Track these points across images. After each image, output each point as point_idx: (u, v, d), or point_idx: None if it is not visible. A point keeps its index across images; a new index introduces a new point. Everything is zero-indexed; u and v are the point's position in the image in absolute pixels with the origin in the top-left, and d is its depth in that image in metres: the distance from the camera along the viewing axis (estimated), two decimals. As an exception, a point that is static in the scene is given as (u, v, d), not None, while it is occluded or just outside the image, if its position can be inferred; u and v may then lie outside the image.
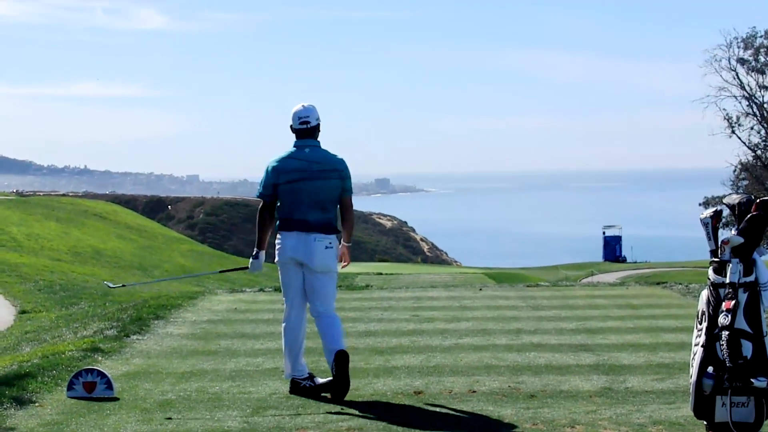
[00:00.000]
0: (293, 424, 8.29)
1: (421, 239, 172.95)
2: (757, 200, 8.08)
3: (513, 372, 10.48)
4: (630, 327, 13.60)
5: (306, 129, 9.78)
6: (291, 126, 9.85)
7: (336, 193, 9.72)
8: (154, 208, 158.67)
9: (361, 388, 9.70)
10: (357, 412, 8.67)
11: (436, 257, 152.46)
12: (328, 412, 8.71)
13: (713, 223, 8.00)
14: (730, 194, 8.38)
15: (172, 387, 9.86)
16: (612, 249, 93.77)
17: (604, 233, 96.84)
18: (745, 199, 8.13)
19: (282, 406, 8.97)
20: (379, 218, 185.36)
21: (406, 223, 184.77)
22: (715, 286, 7.91)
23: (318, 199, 9.61)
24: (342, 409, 8.82)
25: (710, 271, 8.00)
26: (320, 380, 9.59)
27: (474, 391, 9.53)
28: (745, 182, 66.70)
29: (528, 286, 20.38)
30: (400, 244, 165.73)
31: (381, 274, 40.08)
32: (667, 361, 11.01)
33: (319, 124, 9.86)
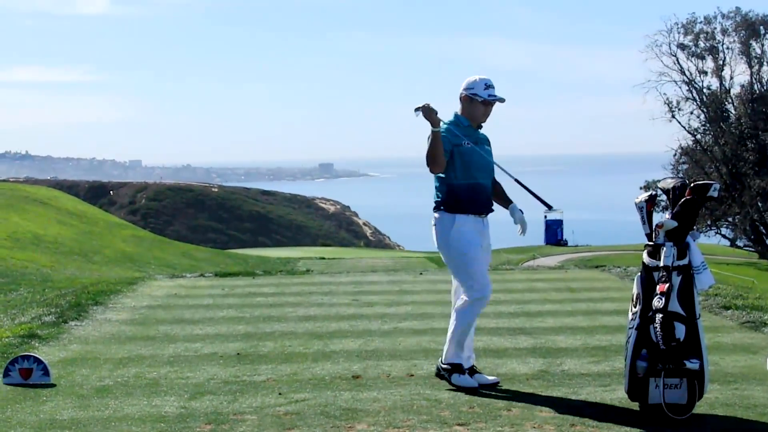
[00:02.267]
0: (231, 410, 8.27)
1: (364, 224, 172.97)
2: (691, 185, 8.16)
3: (451, 355, 10.50)
4: (568, 310, 13.70)
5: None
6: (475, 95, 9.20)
7: None
8: (96, 193, 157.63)
9: (299, 373, 9.70)
10: (295, 397, 8.66)
11: (379, 242, 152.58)
12: (265, 397, 8.69)
13: (648, 207, 8.08)
14: (664, 179, 8.46)
15: (110, 373, 9.80)
16: (553, 233, 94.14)
17: (545, 217, 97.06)
18: (679, 184, 8.21)
19: (220, 392, 8.95)
20: (322, 203, 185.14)
21: (349, 207, 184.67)
22: (649, 270, 8.00)
23: None
24: (280, 394, 8.81)
25: (645, 255, 8.08)
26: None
27: (412, 375, 9.56)
28: (685, 166, 67.27)
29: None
30: (342, 229, 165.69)
31: (323, 258, 40.08)
32: (603, 343, 11.10)
33: (461, 95, 9.28)
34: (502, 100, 9.18)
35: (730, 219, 65.41)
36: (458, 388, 8.91)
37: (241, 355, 10.69)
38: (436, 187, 9.28)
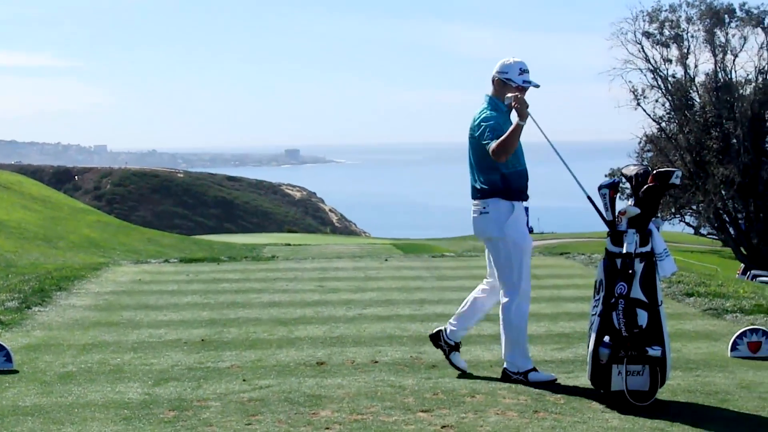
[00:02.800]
0: (194, 396, 8.26)
1: (330, 210, 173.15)
2: (654, 172, 8.20)
3: (415, 342, 10.54)
4: (532, 297, 13.64)
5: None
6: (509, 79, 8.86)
7: (477, 155, 8.90)
8: (61, 178, 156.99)
9: (263, 359, 9.70)
10: (259, 384, 8.66)
11: (345, 228, 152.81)
12: (229, 384, 8.68)
13: (611, 194, 8.11)
14: (627, 166, 8.49)
15: (73, 359, 9.77)
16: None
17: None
18: (641, 171, 8.25)
19: (184, 378, 8.93)
20: (289, 189, 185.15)
21: (315, 193, 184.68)
22: (612, 256, 8.03)
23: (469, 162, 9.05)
24: (244, 380, 8.80)
25: (608, 242, 8.12)
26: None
27: (376, 362, 9.57)
28: (650, 154, 67.53)
29: (433, 257, 20.50)
30: (309, 215, 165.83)
31: (289, 245, 39.99)
32: (567, 330, 11.15)
33: (493, 77, 8.94)
34: (537, 86, 8.89)
35: (694, 207, 65.77)
36: (535, 384, 8.66)
37: (206, 341, 10.67)
38: (481, 175, 8.84)
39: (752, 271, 52.06)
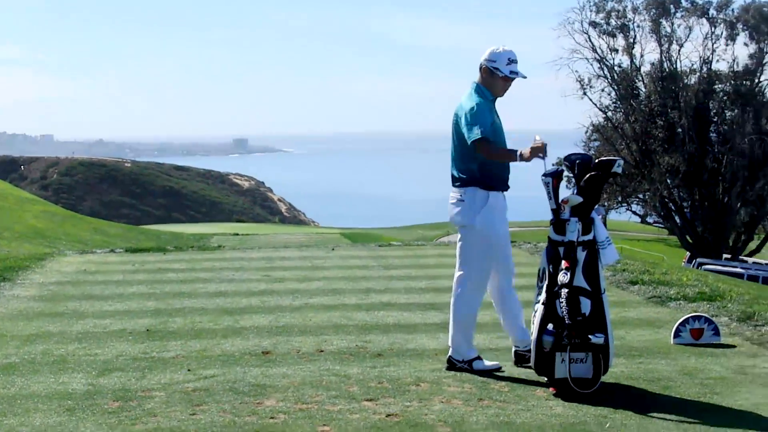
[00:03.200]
0: (139, 386, 8.23)
1: (279, 200, 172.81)
2: (596, 161, 8.26)
3: (361, 331, 10.56)
4: (478, 285, 13.76)
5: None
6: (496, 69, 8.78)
7: (458, 142, 8.83)
8: (7, 168, 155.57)
9: (209, 349, 9.67)
10: (204, 374, 8.64)
11: (294, 218, 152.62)
12: (174, 374, 8.66)
13: (554, 183, 8.14)
14: (569, 155, 8.53)
15: (16, 350, 9.69)
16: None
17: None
18: (584, 159, 8.30)
19: (128, 368, 8.89)
20: (237, 179, 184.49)
21: (263, 183, 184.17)
22: (555, 245, 8.08)
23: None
24: (189, 370, 8.77)
25: (551, 230, 8.16)
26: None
27: (322, 351, 9.57)
28: (597, 143, 67.83)
29: (380, 246, 20.51)
30: (257, 205, 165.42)
31: (237, 234, 39.85)
32: (512, 318, 11.18)
33: (481, 65, 8.82)
34: (524, 77, 8.86)
35: (640, 196, 66.12)
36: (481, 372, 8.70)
37: (151, 331, 10.63)
38: (461, 163, 8.79)
39: (698, 259, 52.47)
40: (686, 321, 9.96)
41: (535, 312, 8.09)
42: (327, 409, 7.46)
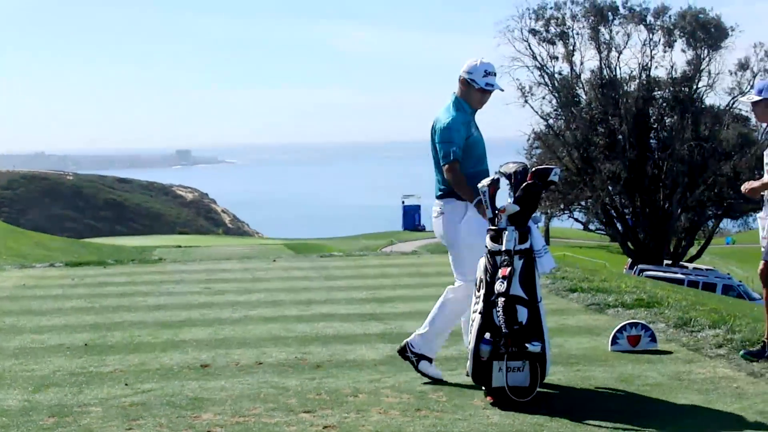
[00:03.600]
0: (75, 401, 8.15)
1: (223, 211, 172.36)
2: (533, 169, 8.30)
3: (301, 343, 10.53)
4: (419, 295, 13.82)
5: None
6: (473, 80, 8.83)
7: (437, 155, 8.82)
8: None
9: (147, 363, 9.61)
10: (142, 388, 8.58)
11: (238, 229, 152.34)
12: (111, 388, 8.59)
13: (491, 192, 8.17)
14: (506, 163, 8.56)
15: (-48, 367, 9.58)
16: (411, 218, 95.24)
17: (403, 203, 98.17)
18: (521, 168, 8.34)
19: (65, 384, 8.81)
20: (180, 190, 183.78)
21: (207, 194, 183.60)
22: (492, 254, 8.10)
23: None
24: (126, 384, 8.71)
25: (487, 239, 8.18)
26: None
27: (261, 363, 9.54)
28: (539, 151, 68.28)
29: (322, 257, 20.52)
30: (201, 216, 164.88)
31: (180, 246, 39.73)
32: (453, 328, 11.19)
33: (460, 76, 8.83)
34: (501, 90, 8.87)
35: (582, 203, 66.58)
36: (425, 377, 8.75)
37: (89, 345, 10.55)
38: (440, 175, 8.80)
39: (639, 266, 52.92)
40: (623, 328, 10.03)
41: (473, 321, 8.11)
42: (264, 422, 7.43)
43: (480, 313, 8.03)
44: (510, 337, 7.85)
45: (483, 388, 8.09)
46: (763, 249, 9.19)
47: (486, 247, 8.19)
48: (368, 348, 10.22)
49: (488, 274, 8.04)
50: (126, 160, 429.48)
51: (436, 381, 8.71)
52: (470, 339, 8.10)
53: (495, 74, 8.81)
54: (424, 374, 8.77)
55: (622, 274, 22.49)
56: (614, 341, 10.00)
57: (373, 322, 11.78)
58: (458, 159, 8.58)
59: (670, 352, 9.88)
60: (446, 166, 8.61)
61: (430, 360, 8.83)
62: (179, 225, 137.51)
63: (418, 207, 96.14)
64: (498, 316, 7.88)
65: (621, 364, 9.34)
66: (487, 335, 7.94)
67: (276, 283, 15.45)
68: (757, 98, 9.13)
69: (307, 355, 9.86)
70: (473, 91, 8.76)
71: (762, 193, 9.18)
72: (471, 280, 8.57)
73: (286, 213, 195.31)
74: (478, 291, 8.16)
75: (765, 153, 9.36)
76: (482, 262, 8.18)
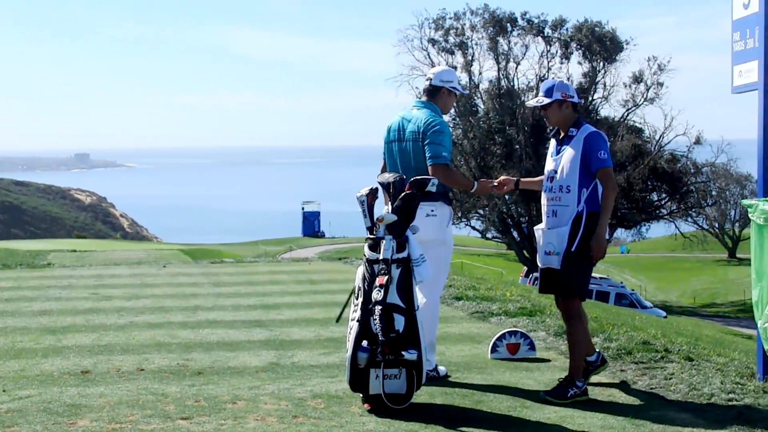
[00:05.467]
0: (-50, 408, 8.07)
1: (121, 215, 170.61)
2: (410, 179, 8.42)
3: (184, 349, 10.53)
4: (306, 302, 13.88)
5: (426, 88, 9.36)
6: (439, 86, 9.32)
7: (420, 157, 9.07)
8: None
9: (27, 369, 9.52)
10: (19, 394, 8.50)
11: (137, 233, 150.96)
12: (-12, 395, 8.52)
13: (369, 201, 8.27)
14: (382, 173, 8.67)
15: None
16: (311, 224, 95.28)
17: (303, 209, 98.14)
18: (398, 178, 8.46)
19: (-58, 390, 8.71)
20: (78, 194, 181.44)
21: (105, 198, 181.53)
22: (370, 262, 8.19)
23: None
24: (4, 391, 8.64)
25: (365, 248, 8.27)
26: None
27: (142, 369, 9.52)
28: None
29: (212, 263, 20.48)
30: (99, 220, 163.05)
31: (75, 251, 39.17)
32: (337, 335, 11.28)
33: (437, 86, 9.27)
34: (465, 93, 9.41)
35: (480, 211, 67.06)
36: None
37: (-32, 352, 10.43)
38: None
39: (534, 274, 53.48)
40: (503, 336, 10.19)
41: (351, 329, 8.18)
42: (140, 429, 7.42)
43: (358, 321, 8.11)
44: (387, 344, 7.95)
45: (361, 395, 8.18)
46: (540, 264, 8.90)
47: (364, 255, 8.29)
48: (251, 355, 10.24)
49: (366, 283, 8.13)
50: (23, 163, 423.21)
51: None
52: (348, 347, 8.18)
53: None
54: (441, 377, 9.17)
55: (508, 282, 22.71)
56: (494, 349, 10.15)
57: (258, 328, 11.81)
58: (448, 163, 8.97)
59: (548, 360, 10.07)
60: (437, 165, 8.86)
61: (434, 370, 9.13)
62: (77, 229, 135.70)
63: (318, 213, 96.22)
64: (375, 324, 7.97)
65: (499, 372, 9.49)
66: (365, 343, 8.03)
67: (164, 289, 15.40)
68: (548, 101, 8.73)
69: (189, 362, 9.86)
70: (452, 98, 9.27)
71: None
72: (444, 280, 9.26)
73: (186, 218, 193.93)
74: (357, 299, 8.25)
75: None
76: (360, 270, 8.27)
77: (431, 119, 9.06)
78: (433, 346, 9.20)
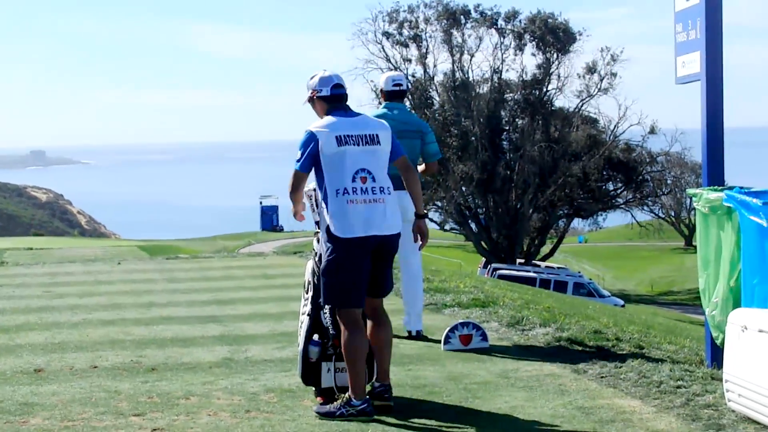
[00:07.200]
0: None
1: (79, 212, 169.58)
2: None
3: (137, 346, 10.54)
4: (261, 297, 13.92)
5: (398, 91, 10.84)
6: (382, 89, 10.91)
7: (414, 152, 10.54)
8: None
9: (-22, 370, 9.52)
10: (-29, 394, 8.50)
11: (95, 230, 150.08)
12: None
13: (316, 195, 8.30)
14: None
15: None
16: (269, 218, 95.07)
17: (261, 203, 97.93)
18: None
19: None
20: (34, 191, 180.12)
21: (62, 195, 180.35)
22: (320, 257, 8.22)
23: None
24: (-45, 391, 8.63)
25: (314, 242, 8.31)
26: None
27: (96, 367, 9.53)
28: (394, 152, 68.66)
29: (167, 259, 20.46)
30: (56, 218, 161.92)
31: (31, 249, 39.00)
32: (290, 329, 11.28)
33: (382, 90, 10.92)
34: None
35: (438, 203, 67.21)
36: None
37: None
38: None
39: (492, 265, 53.71)
40: (455, 327, 10.25)
41: (302, 323, 8.22)
42: (93, 426, 7.44)
43: (308, 315, 8.15)
44: (338, 338, 7.99)
45: (314, 388, 8.22)
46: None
47: (313, 250, 8.33)
48: (205, 350, 10.27)
49: (315, 277, 8.17)
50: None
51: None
52: (299, 341, 8.22)
53: None
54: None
55: (464, 274, 22.78)
56: (446, 341, 10.22)
57: (212, 324, 11.83)
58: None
59: (500, 351, 10.14)
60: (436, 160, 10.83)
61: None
62: (34, 227, 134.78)
63: (276, 207, 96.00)
64: (326, 318, 8.03)
65: (452, 363, 9.55)
66: (316, 337, 8.08)
67: (119, 286, 15.40)
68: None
69: (143, 359, 9.87)
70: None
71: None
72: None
73: (144, 214, 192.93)
74: (307, 293, 8.29)
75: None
76: (310, 264, 8.31)
77: (415, 119, 10.95)
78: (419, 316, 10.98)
